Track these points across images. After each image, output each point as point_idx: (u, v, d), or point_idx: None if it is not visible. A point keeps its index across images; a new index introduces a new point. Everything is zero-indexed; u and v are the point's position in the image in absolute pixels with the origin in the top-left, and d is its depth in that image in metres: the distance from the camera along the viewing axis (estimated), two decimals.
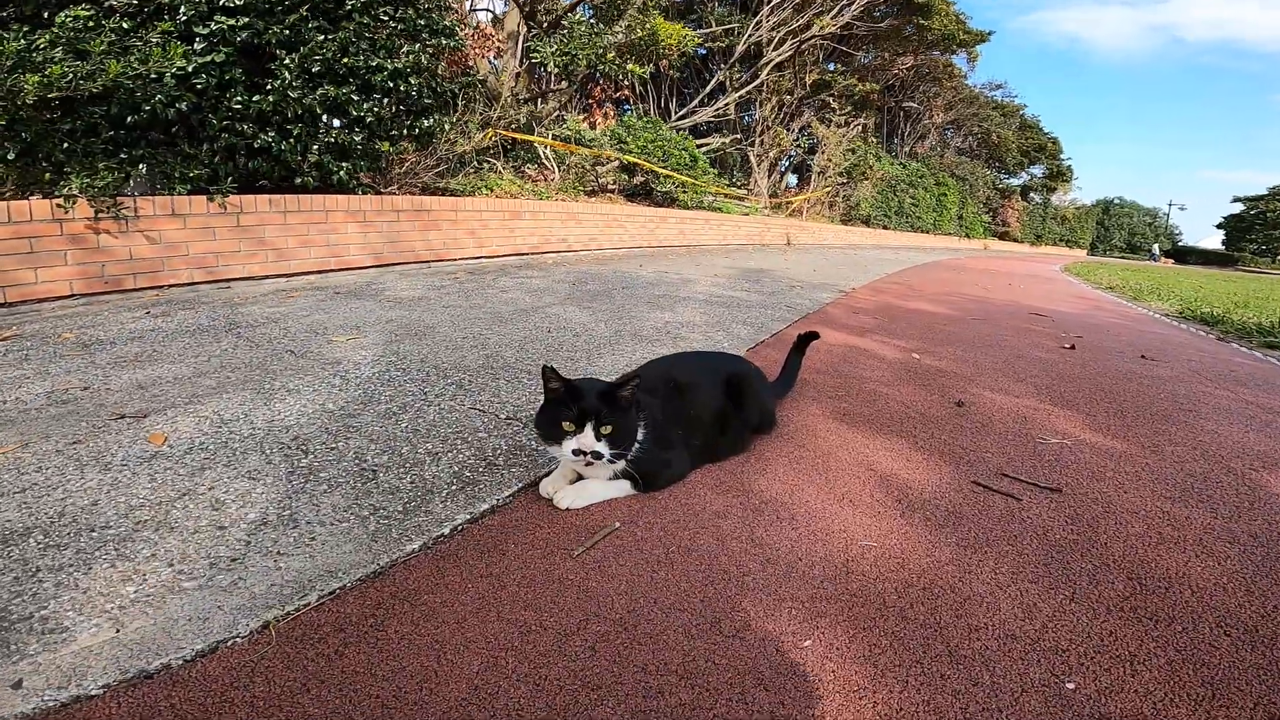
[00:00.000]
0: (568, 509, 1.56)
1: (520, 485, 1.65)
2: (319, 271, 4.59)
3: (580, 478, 1.64)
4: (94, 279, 3.38)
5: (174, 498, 1.55)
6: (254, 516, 1.50)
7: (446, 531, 1.45)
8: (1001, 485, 1.91)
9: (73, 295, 3.30)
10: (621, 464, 1.58)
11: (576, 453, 1.49)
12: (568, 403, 1.50)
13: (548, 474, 1.68)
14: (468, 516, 1.50)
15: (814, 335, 2.60)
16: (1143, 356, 4.10)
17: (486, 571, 1.33)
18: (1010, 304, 6.66)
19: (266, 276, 4.28)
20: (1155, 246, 48.31)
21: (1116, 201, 56.94)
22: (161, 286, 3.70)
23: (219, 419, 2.00)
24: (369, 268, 4.98)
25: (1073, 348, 4.19)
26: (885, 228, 16.09)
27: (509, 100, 8.67)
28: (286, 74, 4.09)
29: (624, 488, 1.63)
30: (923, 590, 1.36)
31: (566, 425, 1.49)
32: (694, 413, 1.77)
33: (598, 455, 1.49)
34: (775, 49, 13.91)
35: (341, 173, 4.59)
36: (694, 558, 1.41)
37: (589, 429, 1.48)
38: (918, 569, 1.44)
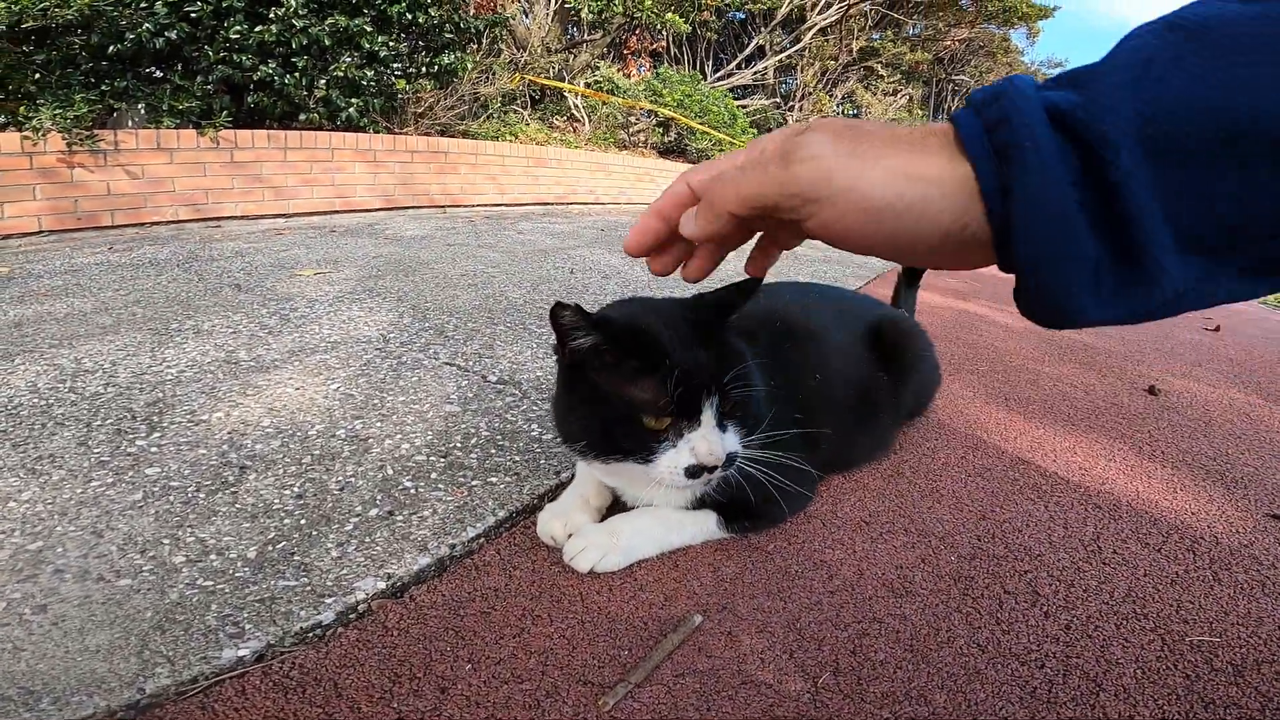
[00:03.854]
0: (592, 572, 0.74)
1: (504, 514, 0.83)
2: (322, 212, 3.97)
3: (614, 508, 0.82)
4: (66, 215, 2.92)
5: None
6: None
7: (327, 620, 0.65)
8: None
9: (41, 232, 2.84)
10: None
11: (694, 472, 0.66)
12: (639, 362, 0.66)
13: (553, 496, 0.87)
14: (384, 584, 0.69)
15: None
16: None
17: None
18: None
19: (263, 216, 3.68)
20: None
21: None
22: (144, 224, 3.16)
23: (74, 369, 1.25)
24: (378, 210, 4.34)
25: (1218, 329, 3.29)
26: None
27: (538, 48, 7.75)
28: (292, 1, 3.54)
29: (702, 526, 0.81)
30: None
31: (652, 420, 0.66)
32: (821, 384, 0.93)
33: (731, 462, 0.68)
34: (820, 13, 12.70)
35: (351, 110, 4.05)
36: None
37: (710, 413, 0.66)
38: None
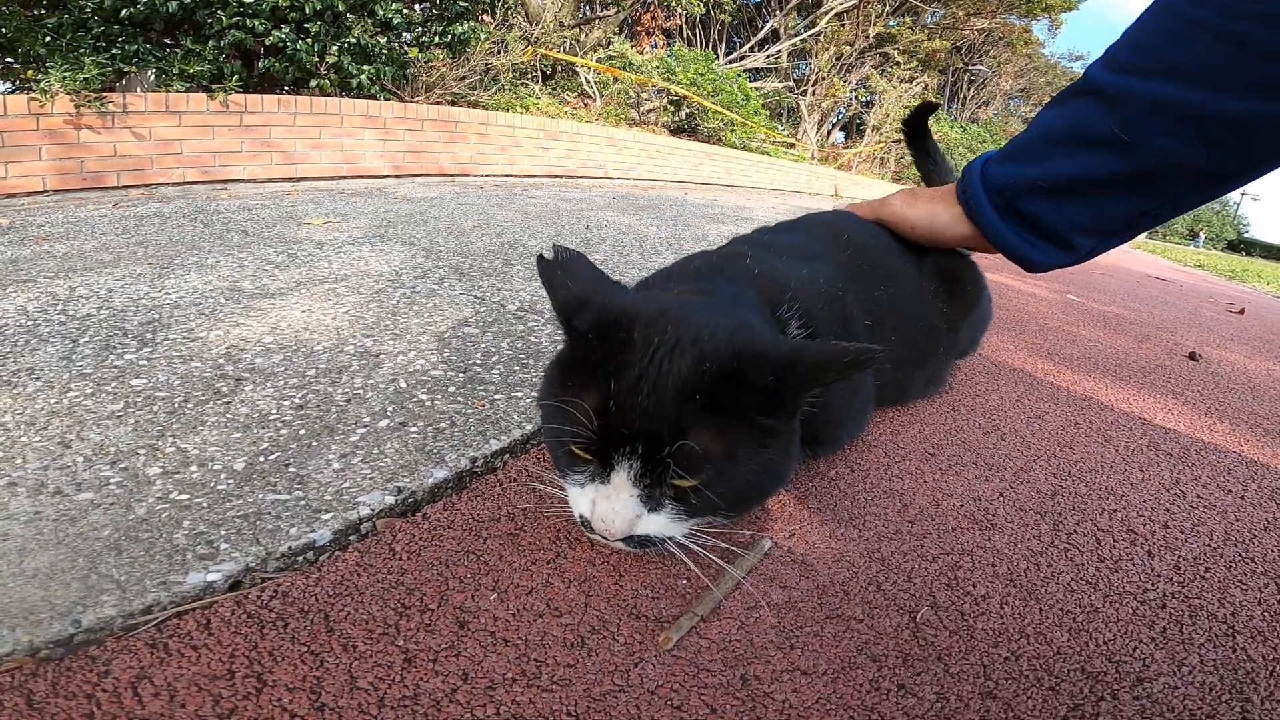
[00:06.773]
0: None
1: (531, 428, 0.71)
2: (330, 177, 3.84)
3: None
4: (71, 175, 2.81)
5: None
6: None
7: (322, 539, 0.53)
8: None
9: (45, 191, 2.73)
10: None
11: (588, 525, 0.51)
12: (592, 369, 0.50)
13: None
14: (393, 499, 0.57)
15: (933, 107, 1.28)
16: None
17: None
18: (1109, 265, 5.53)
19: (270, 179, 3.54)
20: (1201, 234, 43.85)
21: None
22: (149, 185, 3.04)
23: (67, 296, 1.13)
24: (387, 176, 4.20)
25: (1242, 312, 3.15)
26: None
27: (551, 23, 7.52)
28: None
29: None
30: None
31: (578, 449, 0.50)
32: (886, 307, 0.79)
33: (645, 543, 0.51)
34: None
35: (363, 77, 3.90)
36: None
37: (624, 477, 0.48)
38: None
